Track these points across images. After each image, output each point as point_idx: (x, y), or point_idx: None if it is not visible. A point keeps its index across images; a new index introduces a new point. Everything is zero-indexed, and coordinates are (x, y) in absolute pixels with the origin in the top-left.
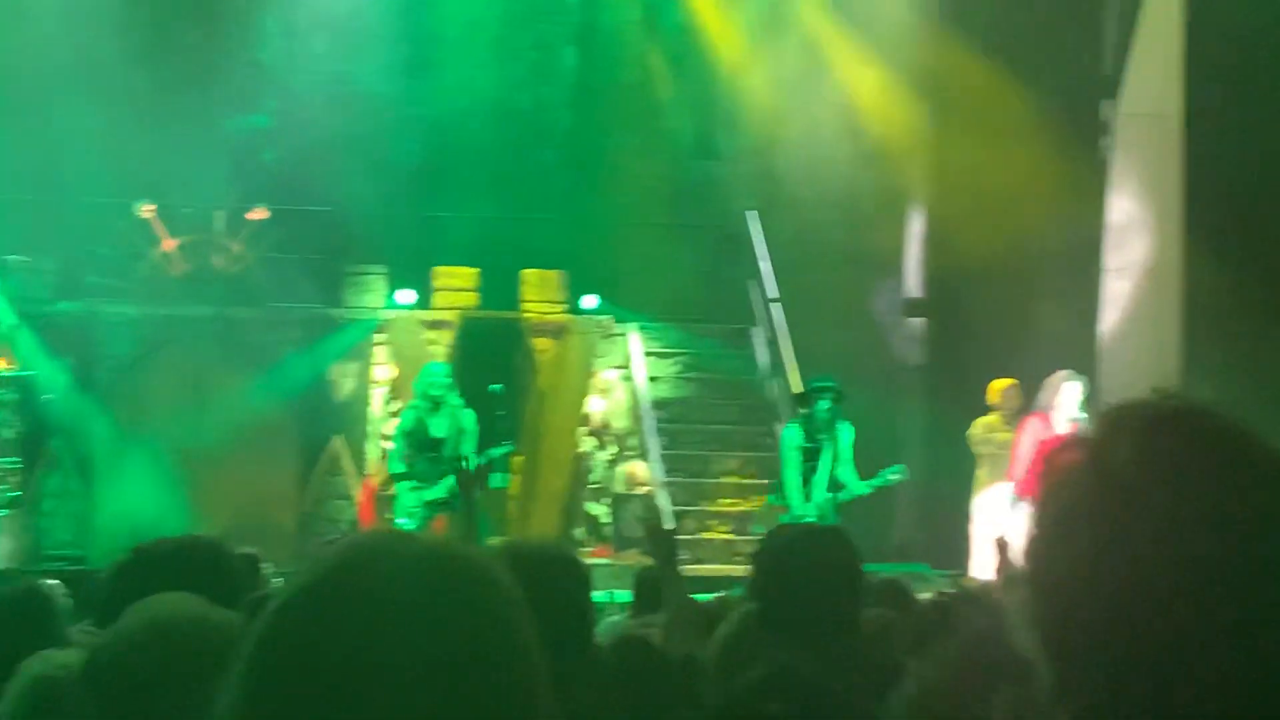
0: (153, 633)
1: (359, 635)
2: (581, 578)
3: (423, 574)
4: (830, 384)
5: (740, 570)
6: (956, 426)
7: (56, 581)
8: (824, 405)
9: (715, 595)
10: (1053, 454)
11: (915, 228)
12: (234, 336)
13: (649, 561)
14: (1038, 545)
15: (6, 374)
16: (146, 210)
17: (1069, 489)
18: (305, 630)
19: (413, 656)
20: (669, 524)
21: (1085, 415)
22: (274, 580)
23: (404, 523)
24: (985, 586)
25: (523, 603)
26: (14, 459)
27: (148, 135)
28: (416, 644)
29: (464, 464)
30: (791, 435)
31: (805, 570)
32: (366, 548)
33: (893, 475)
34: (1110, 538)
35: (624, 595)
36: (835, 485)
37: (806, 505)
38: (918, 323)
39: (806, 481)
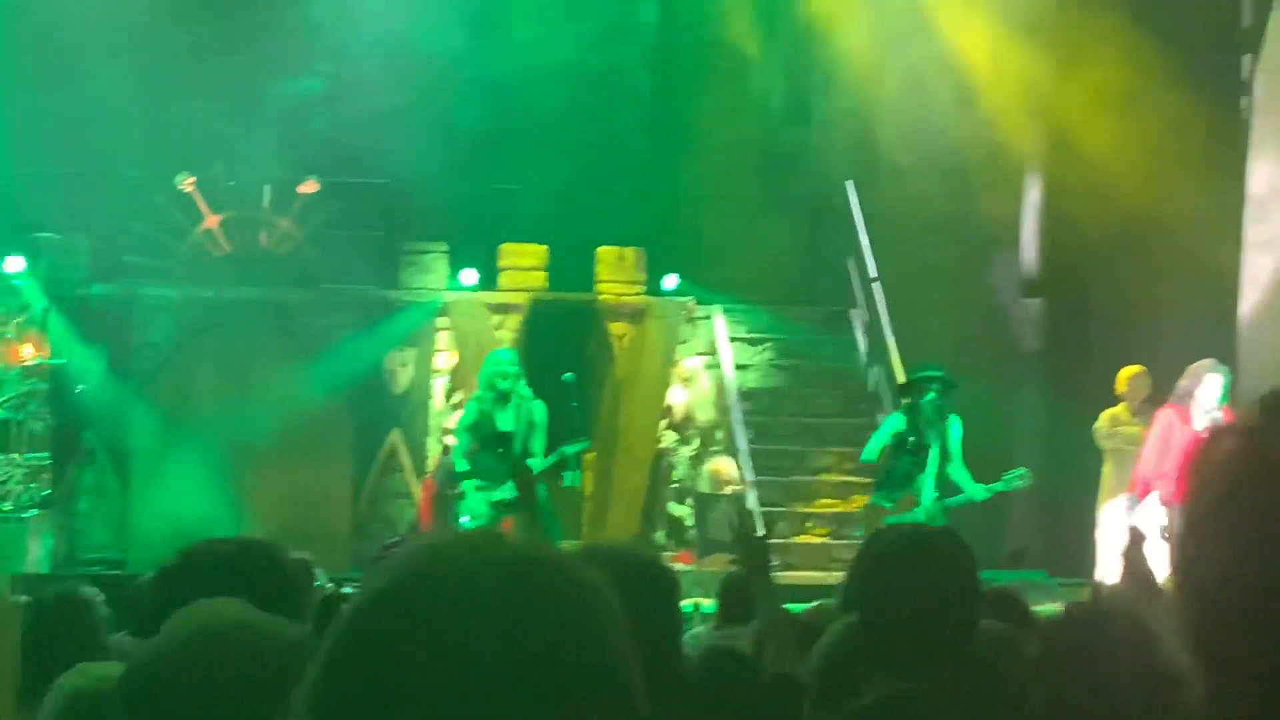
0: (200, 643)
1: (441, 644)
2: (668, 585)
3: (511, 578)
4: (937, 373)
5: (838, 578)
6: (1079, 419)
7: (92, 588)
8: (931, 396)
9: (811, 605)
10: (1205, 444)
11: (1032, 198)
12: (283, 321)
13: (736, 568)
14: (1188, 544)
15: (37, 362)
16: (187, 183)
17: (1224, 482)
18: (383, 639)
19: (500, 669)
20: (758, 527)
21: (1223, 408)
22: (329, 587)
23: (469, 525)
24: (1117, 594)
25: (618, 611)
26: (44, 454)
27: (188, 102)
28: (504, 655)
29: (524, 463)
30: (893, 423)
31: (913, 578)
32: (449, 548)
33: (1016, 480)
34: (1270, 534)
35: (709, 605)
36: (947, 487)
37: (916, 510)
38: (1035, 304)
39: (910, 480)
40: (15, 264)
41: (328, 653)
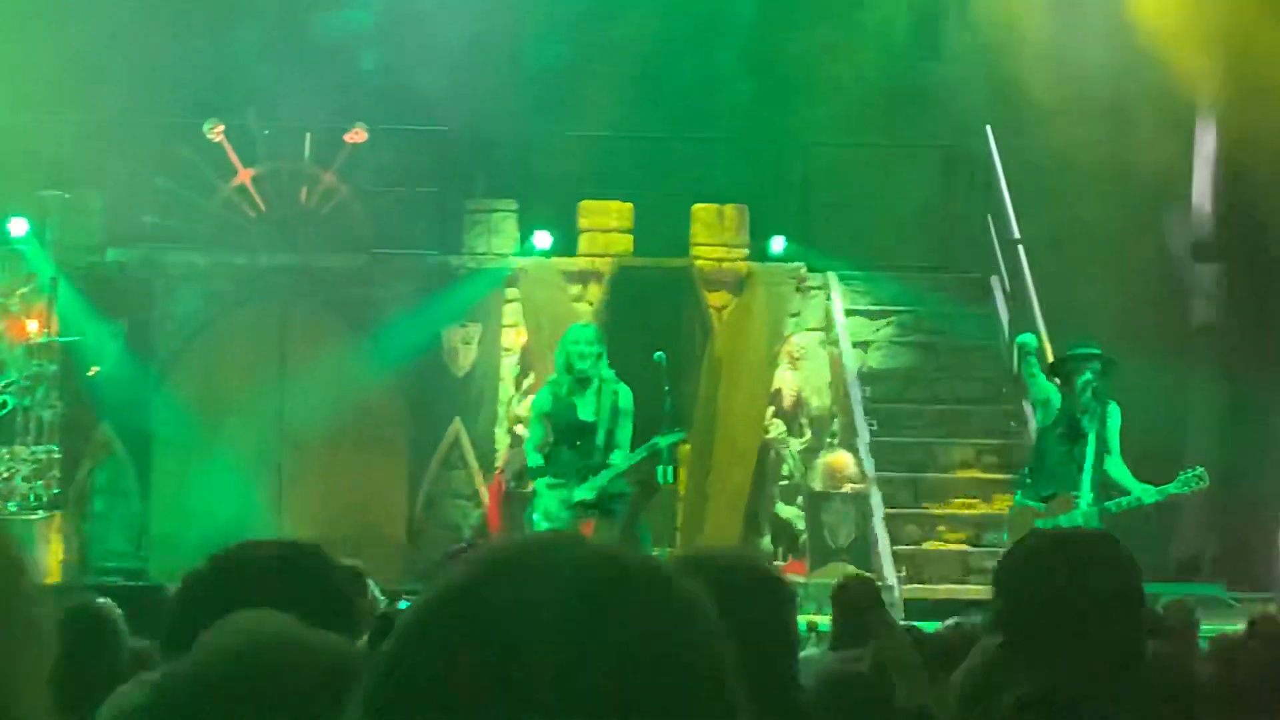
0: (239, 662)
1: (511, 659)
2: (781, 599)
3: (592, 585)
4: (1094, 350)
5: (978, 592)
6: (1262, 405)
7: (109, 601)
8: (1086, 379)
9: (947, 624)
10: None
11: (1205, 146)
12: (327, 292)
13: (854, 575)
14: None
15: (44, 340)
16: (216, 132)
17: None
18: (448, 649)
19: (578, 691)
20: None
21: None
22: (384, 602)
23: (541, 527)
24: None
25: (718, 628)
26: (53, 446)
27: (218, 38)
28: (583, 675)
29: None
30: (1050, 390)
31: (1067, 594)
32: (522, 550)
33: (1194, 481)
34: None
35: (824, 623)
36: (1106, 486)
37: (1073, 513)
38: (1209, 269)
39: (1063, 477)
40: (19, 226)
41: (384, 662)
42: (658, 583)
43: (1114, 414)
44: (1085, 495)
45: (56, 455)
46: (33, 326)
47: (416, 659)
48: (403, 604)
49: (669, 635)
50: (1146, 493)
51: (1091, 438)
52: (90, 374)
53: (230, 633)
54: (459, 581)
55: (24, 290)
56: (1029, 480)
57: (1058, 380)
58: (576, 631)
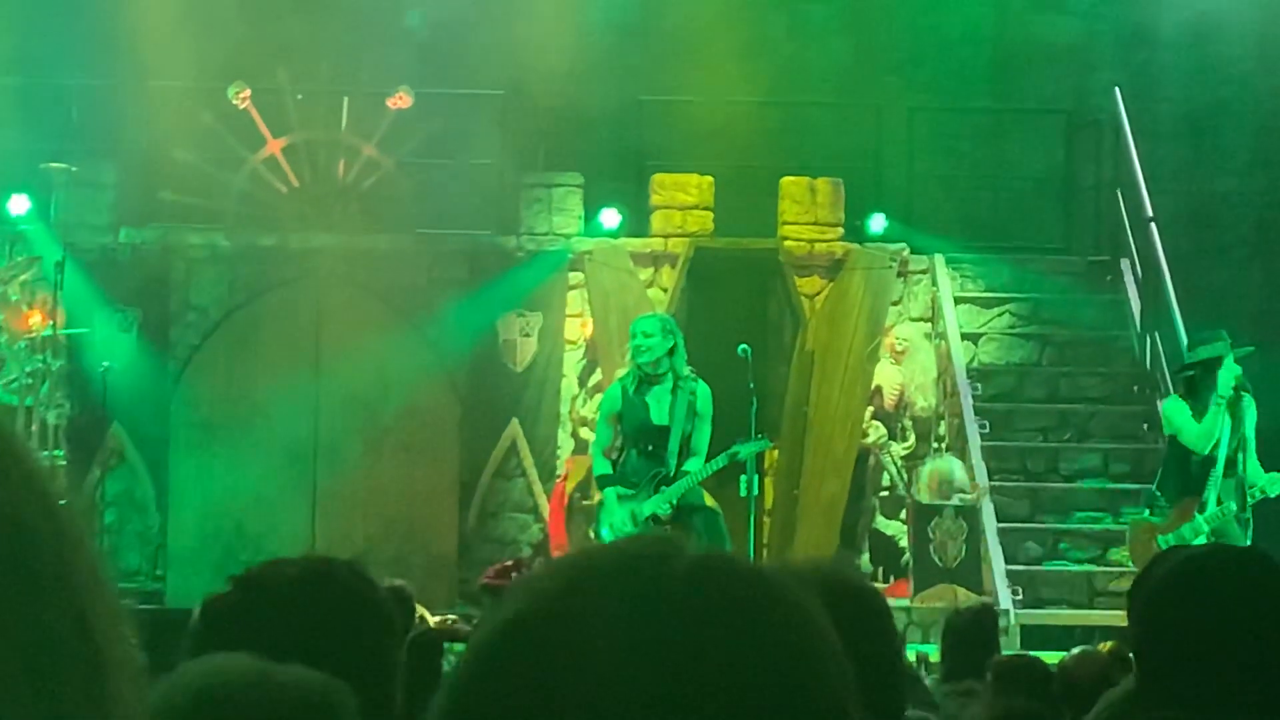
0: (195, 703)
1: (602, 678)
2: (889, 620)
3: (696, 601)
4: (1219, 349)
5: (1104, 617)
6: None
7: None
8: (1225, 373)
9: (1072, 653)
10: None
11: None
12: (367, 277)
13: (969, 600)
14: None
15: (48, 333)
16: (242, 97)
17: None
18: (531, 669)
19: (680, 709)
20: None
21: None
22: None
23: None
24: None
25: (836, 640)
26: (58, 452)
27: None
28: (690, 696)
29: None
30: (1176, 411)
31: (1213, 621)
32: (613, 555)
33: None
34: None
35: (930, 648)
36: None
37: (1180, 532)
38: None
39: (1196, 485)
40: (20, 204)
41: (451, 693)
42: (765, 587)
43: (1249, 409)
44: (1211, 502)
45: (62, 461)
46: (36, 317)
47: (487, 691)
48: (450, 624)
49: (781, 643)
50: (1272, 483)
51: (1226, 438)
52: (100, 370)
53: (192, 674)
54: (540, 595)
55: (26, 276)
56: (1160, 499)
57: (1181, 389)
58: (674, 643)
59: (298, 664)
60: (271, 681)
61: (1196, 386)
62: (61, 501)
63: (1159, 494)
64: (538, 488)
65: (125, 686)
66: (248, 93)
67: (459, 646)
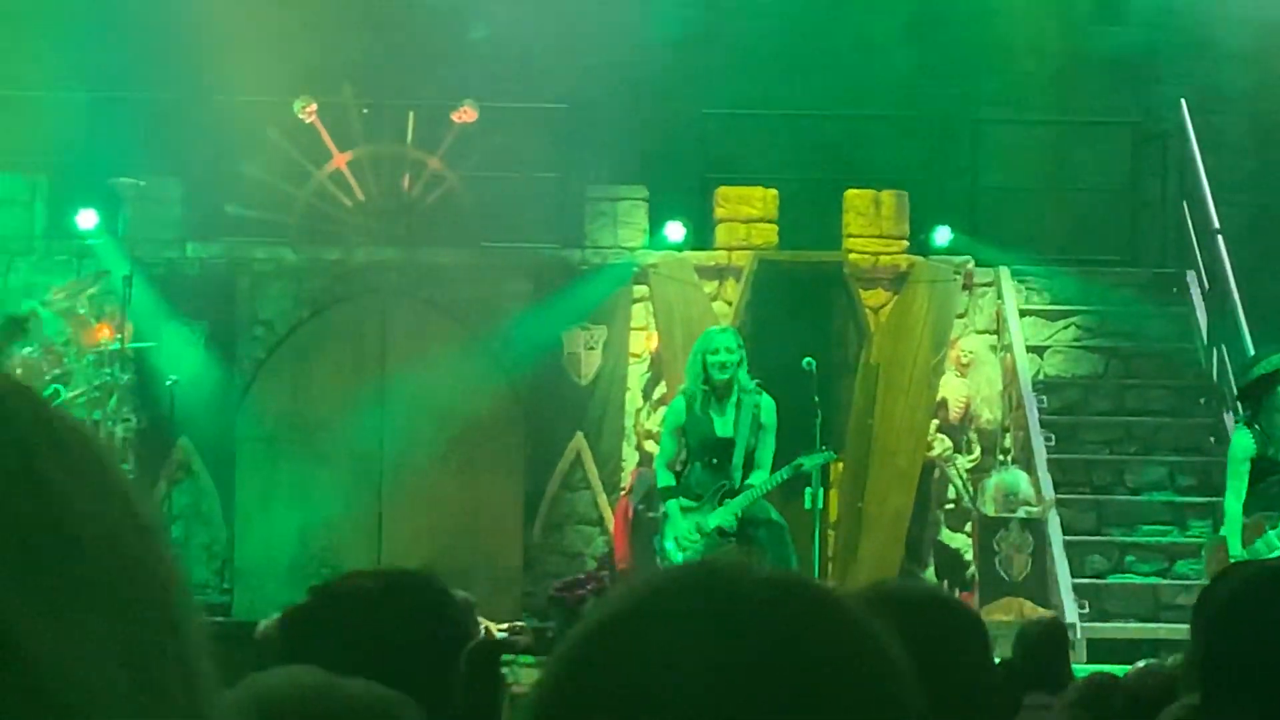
0: (260, 714)
1: (678, 704)
2: (980, 637)
3: (767, 618)
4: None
5: (1171, 631)
6: None
7: None
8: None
9: (1136, 667)
10: None
11: None
12: (432, 291)
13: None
14: None
15: (116, 346)
16: (308, 112)
17: None
18: (599, 699)
19: None
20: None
21: None
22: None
23: (674, 556)
24: None
25: (910, 668)
26: (125, 465)
27: (310, 8)
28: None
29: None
30: (1242, 442)
31: (1277, 636)
32: (684, 577)
33: None
34: None
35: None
36: None
37: (1254, 547)
38: None
39: (1265, 501)
40: (88, 218)
41: (532, 709)
42: (840, 614)
43: None
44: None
45: (129, 475)
46: (104, 331)
47: (565, 708)
48: (504, 635)
49: (854, 669)
50: None
51: None
52: (167, 384)
53: (258, 685)
54: (611, 618)
55: (93, 290)
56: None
57: (1248, 412)
58: (748, 678)
59: (373, 673)
60: (337, 694)
61: (1260, 405)
62: (148, 512)
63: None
64: (602, 500)
65: (213, 693)
66: (314, 107)
67: (525, 659)
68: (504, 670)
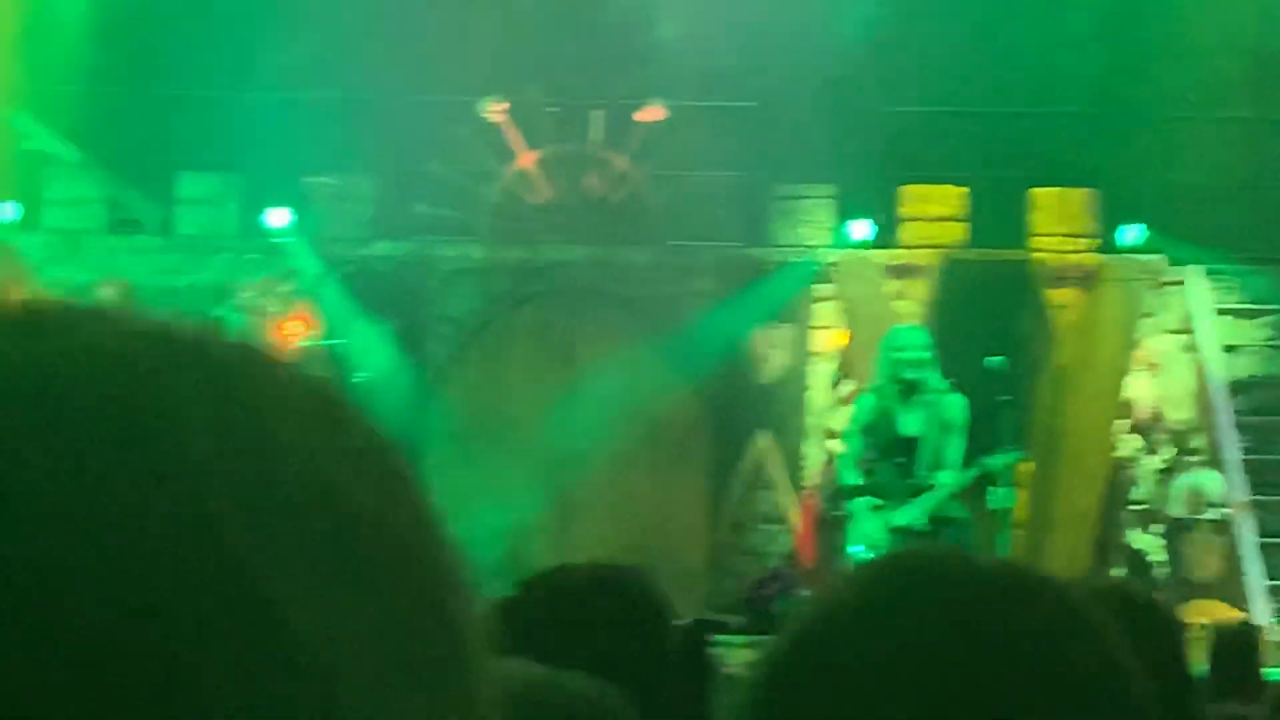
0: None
1: (905, 694)
2: (1178, 637)
3: (995, 607)
4: None
5: None
6: None
7: None
8: None
9: None
10: None
11: None
12: (618, 289)
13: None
14: None
15: (307, 343)
16: (496, 111)
17: None
18: (822, 689)
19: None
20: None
21: None
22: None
23: (861, 557)
24: None
25: (1133, 657)
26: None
27: (498, 8)
28: (993, 709)
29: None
30: None
31: None
32: (906, 561)
33: None
34: None
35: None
36: None
37: None
38: None
39: None
40: (280, 217)
41: (755, 696)
42: (1067, 605)
43: None
44: None
45: (408, 463)
46: (295, 328)
47: (791, 694)
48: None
49: (1087, 661)
50: None
51: None
52: (356, 381)
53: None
54: (834, 607)
55: (285, 288)
56: None
57: None
58: (977, 667)
59: (585, 665)
60: (557, 689)
61: None
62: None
63: None
64: (787, 499)
65: (488, 685)
66: (503, 106)
67: (736, 638)
68: (714, 651)
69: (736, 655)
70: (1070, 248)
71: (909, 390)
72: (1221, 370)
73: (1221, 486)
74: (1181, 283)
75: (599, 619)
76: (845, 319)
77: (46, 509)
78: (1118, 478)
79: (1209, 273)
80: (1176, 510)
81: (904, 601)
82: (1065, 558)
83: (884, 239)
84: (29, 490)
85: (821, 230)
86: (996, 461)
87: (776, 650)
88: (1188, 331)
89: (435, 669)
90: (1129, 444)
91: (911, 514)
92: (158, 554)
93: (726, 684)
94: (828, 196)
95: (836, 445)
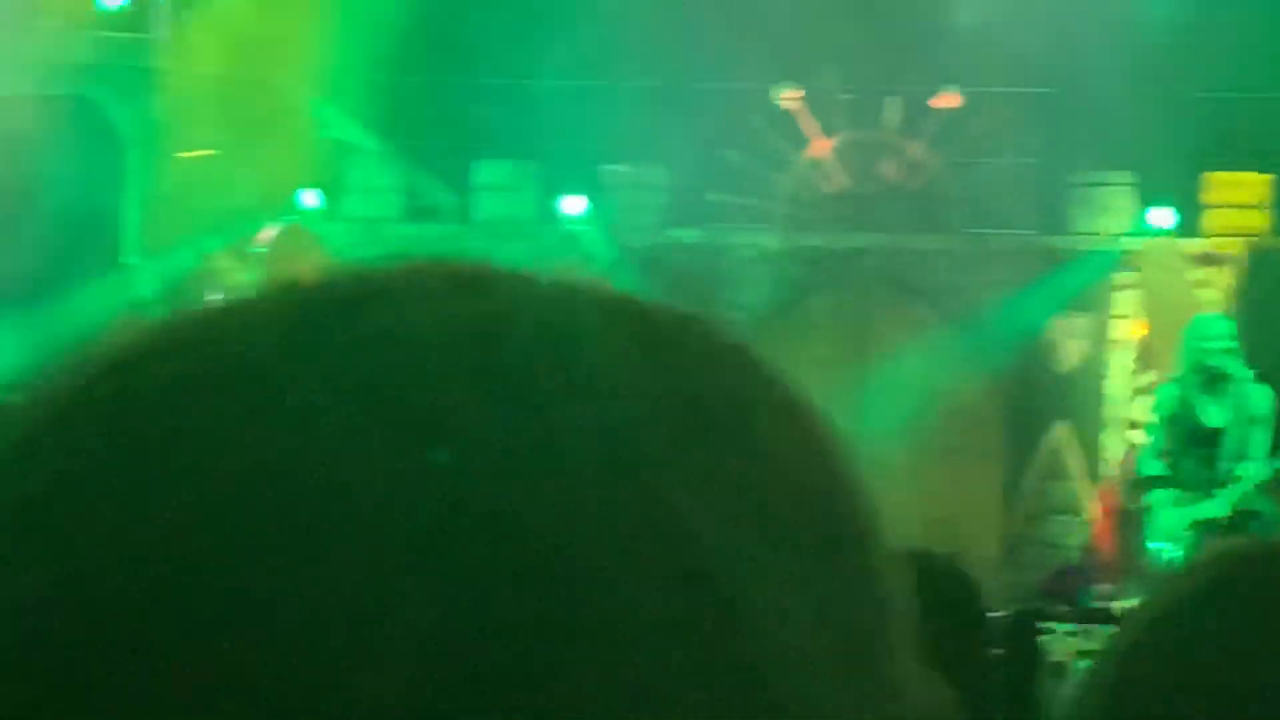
0: None
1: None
2: None
3: None
4: None
5: None
6: None
7: None
8: None
9: None
10: None
11: None
12: (913, 277)
13: None
14: None
15: None
16: (791, 98)
17: None
18: (1177, 680)
19: None
20: None
21: None
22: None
23: (1162, 551)
24: None
25: None
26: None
27: None
28: None
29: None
30: None
31: None
32: (1257, 556)
33: None
34: None
35: None
36: None
37: None
38: None
39: None
40: (576, 204)
41: (1104, 690)
42: None
43: None
44: None
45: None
46: None
47: (1146, 687)
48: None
49: None
50: None
51: None
52: None
53: None
54: (1178, 599)
55: (579, 275)
56: None
57: None
58: None
59: None
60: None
61: None
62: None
63: None
64: (1084, 490)
65: (911, 661)
66: (797, 93)
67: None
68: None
69: (1060, 645)
70: None
71: (1213, 380)
72: None
73: None
74: None
75: (918, 605)
76: (1146, 308)
77: (495, 449)
78: None
79: None
80: None
81: (1259, 592)
82: None
83: (1187, 226)
84: (480, 427)
85: (1122, 218)
86: None
87: (1120, 644)
88: None
89: (869, 653)
90: None
91: (1214, 507)
92: (586, 499)
93: (1055, 673)
94: (1128, 183)
95: (1137, 436)
